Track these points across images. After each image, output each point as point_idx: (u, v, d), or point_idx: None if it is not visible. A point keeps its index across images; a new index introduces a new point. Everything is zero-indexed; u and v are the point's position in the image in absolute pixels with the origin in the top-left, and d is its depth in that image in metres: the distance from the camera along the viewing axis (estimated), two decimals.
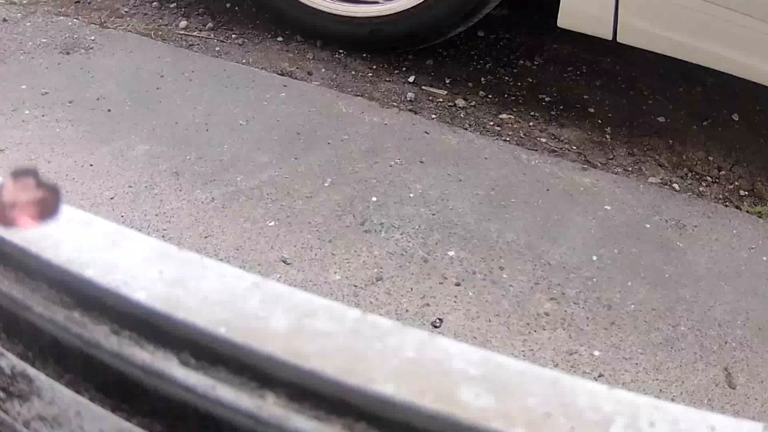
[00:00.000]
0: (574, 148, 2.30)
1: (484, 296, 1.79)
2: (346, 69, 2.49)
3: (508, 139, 2.30)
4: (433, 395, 0.67)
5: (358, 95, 2.39)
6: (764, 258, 1.97)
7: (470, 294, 1.79)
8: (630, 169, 2.24)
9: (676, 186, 2.19)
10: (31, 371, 0.58)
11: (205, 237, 1.87)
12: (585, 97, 2.52)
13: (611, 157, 2.28)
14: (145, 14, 2.71)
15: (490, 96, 2.47)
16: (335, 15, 2.48)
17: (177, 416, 0.51)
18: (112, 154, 2.10)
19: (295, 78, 2.44)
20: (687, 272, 1.91)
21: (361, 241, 1.90)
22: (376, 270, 1.82)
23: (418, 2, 2.36)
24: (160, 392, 0.51)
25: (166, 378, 0.51)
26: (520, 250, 1.92)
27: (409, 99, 2.40)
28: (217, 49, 2.56)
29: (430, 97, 2.43)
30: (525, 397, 0.66)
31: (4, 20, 2.62)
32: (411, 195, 2.03)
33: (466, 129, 2.32)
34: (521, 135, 2.32)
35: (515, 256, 1.90)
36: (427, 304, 1.75)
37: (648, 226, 2.03)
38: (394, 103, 2.37)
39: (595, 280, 1.86)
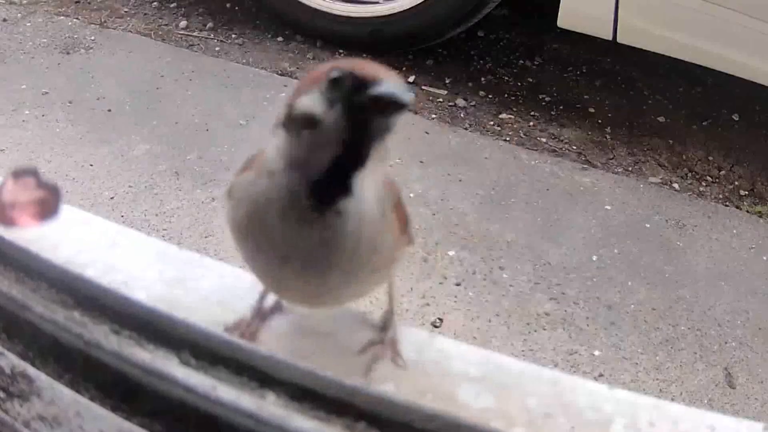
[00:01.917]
0: (574, 148, 2.30)
1: (484, 296, 1.79)
2: None
3: (508, 139, 2.30)
4: (433, 395, 0.67)
5: None
6: (764, 258, 1.97)
7: (470, 294, 1.79)
8: (630, 169, 2.24)
9: (676, 186, 2.19)
10: (31, 371, 0.58)
11: (205, 237, 1.87)
12: (585, 97, 2.52)
13: (611, 157, 2.28)
14: (145, 14, 2.71)
15: (490, 96, 2.47)
16: (335, 15, 2.48)
17: (177, 416, 0.52)
18: (112, 154, 2.10)
19: (295, 78, 2.44)
20: (687, 272, 1.91)
21: None
22: None
23: (418, 2, 2.36)
24: (160, 392, 0.51)
25: (166, 378, 0.51)
26: (520, 250, 1.92)
27: None
28: (217, 49, 2.56)
29: (430, 97, 2.44)
30: (525, 397, 0.66)
31: (4, 20, 2.62)
32: (411, 195, 2.02)
33: (466, 129, 2.32)
34: (521, 135, 2.32)
35: (515, 256, 1.90)
36: (427, 304, 1.75)
37: (648, 226, 2.03)
38: None
39: (595, 280, 1.86)
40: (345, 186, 0.58)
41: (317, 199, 0.58)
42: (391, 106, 0.55)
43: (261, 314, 0.74)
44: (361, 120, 0.56)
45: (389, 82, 0.55)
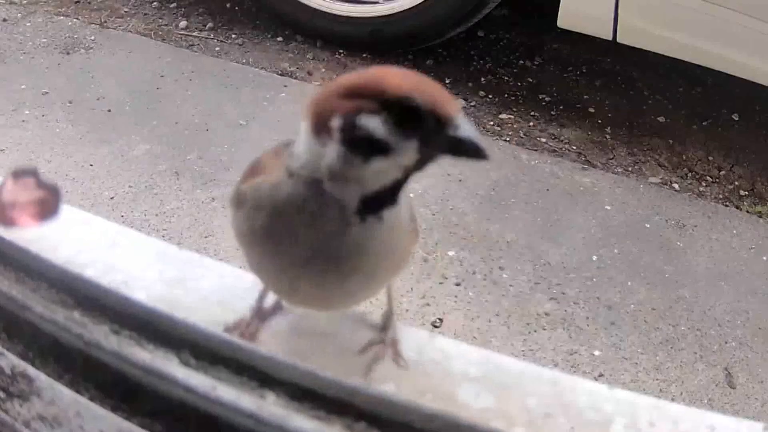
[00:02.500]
0: (574, 148, 2.30)
1: (484, 296, 1.79)
2: (346, 69, 2.49)
3: (508, 139, 2.30)
4: (433, 395, 0.67)
5: None
6: (764, 258, 1.97)
7: (470, 294, 1.79)
8: (630, 169, 2.24)
9: (676, 186, 2.19)
10: (31, 371, 0.58)
11: (205, 237, 1.87)
12: (585, 97, 2.52)
13: (611, 157, 2.28)
14: (145, 14, 2.71)
15: (490, 96, 2.47)
16: (335, 15, 2.48)
17: (177, 416, 0.52)
18: (112, 154, 2.10)
19: (295, 78, 2.44)
20: (687, 272, 1.91)
21: None
22: None
23: (418, 2, 2.36)
24: (160, 392, 0.51)
25: (166, 378, 0.51)
26: (520, 250, 1.92)
27: None
28: (217, 49, 2.56)
29: None
30: (525, 397, 0.66)
31: (4, 20, 2.62)
32: (411, 195, 2.02)
33: None
34: (521, 135, 2.32)
35: (515, 256, 1.90)
36: (427, 304, 1.75)
37: (648, 226, 2.03)
38: None
39: (595, 280, 1.86)
40: (394, 198, 0.59)
41: (366, 210, 0.58)
42: (472, 153, 0.56)
43: (261, 314, 0.74)
44: (432, 153, 0.56)
45: (466, 124, 0.55)
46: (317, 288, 0.63)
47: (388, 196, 0.59)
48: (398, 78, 0.56)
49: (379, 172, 0.57)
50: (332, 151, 0.57)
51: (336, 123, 0.56)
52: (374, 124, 0.55)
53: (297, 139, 0.61)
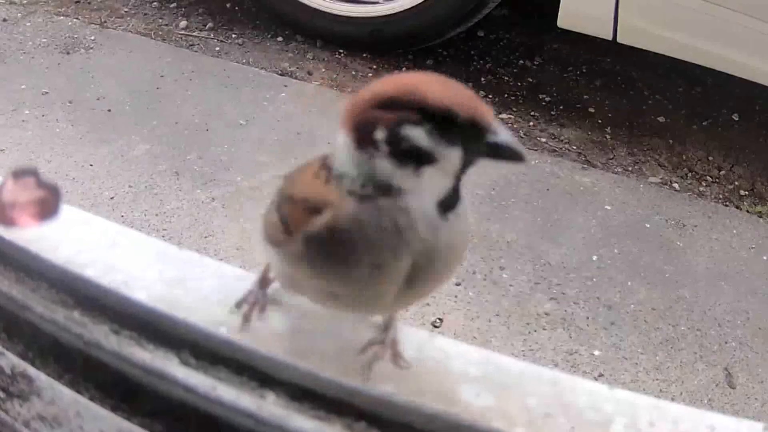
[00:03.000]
0: (574, 148, 2.30)
1: (484, 296, 1.79)
2: (346, 69, 2.49)
3: None
4: (433, 395, 0.67)
5: None
6: (764, 258, 1.97)
7: (470, 294, 1.79)
8: (630, 169, 2.24)
9: (676, 186, 2.19)
10: (31, 371, 0.58)
11: (205, 237, 1.87)
12: (585, 97, 2.52)
13: (611, 157, 2.28)
14: (145, 14, 2.71)
15: (490, 96, 2.47)
16: (335, 15, 2.48)
17: (177, 416, 0.52)
18: (112, 154, 2.10)
19: (295, 78, 2.44)
20: (687, 272, 1.91)
21: None
22: None
23: (418, 2, 2.36)
24: (160, 392, 0.51)
25: (166, 378, 0.51)
26: (520, 250, 1.92)
27: None
28: (217, 49, 2.56)
29: None
30: (525, 397, 0.66)
31: (4, 20, 2.62)
32: None
33: None
34: (521, 135, 2.32)
35: (515, 256, 1.90)
36: (427, 304, 1.75)
37: (648, 225, 2.03)
38: None
39: (595, 280, 1.86)
40: (458, 194, 0.61)
41: (442, 211, 0.60)
42: (511, 157, 0.57)
43: (265, 282, 0.73)
44: (474, 158, 0.58)
45: (503, 129, 0.57)
46: (404, 295, 0.63)
47: (453, 193, 0.60)
48: (436, 87, 0.57)
49: (431, 179, 0.58)
50: (381, 164, 0.57)
51: (380, 135, 0.57)
52: (419, 135, 0.56)
53: (337, 159, 0.60)
